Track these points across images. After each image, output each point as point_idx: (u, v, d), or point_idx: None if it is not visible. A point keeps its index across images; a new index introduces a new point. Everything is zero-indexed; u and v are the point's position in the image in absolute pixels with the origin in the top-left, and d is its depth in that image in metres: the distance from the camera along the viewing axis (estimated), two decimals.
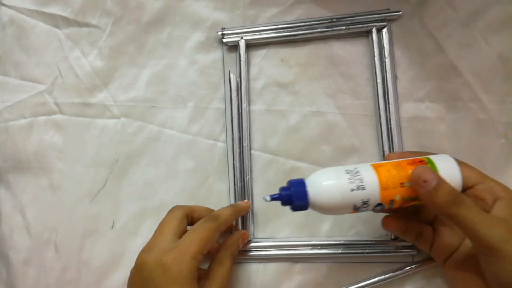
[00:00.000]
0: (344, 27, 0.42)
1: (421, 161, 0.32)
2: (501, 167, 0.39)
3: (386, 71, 0.41)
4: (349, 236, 0.41)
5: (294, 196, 0.32)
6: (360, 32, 0.42)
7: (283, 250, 0.41)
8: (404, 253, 0.39)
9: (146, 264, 0.33)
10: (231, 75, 0.43)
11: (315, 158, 0.42)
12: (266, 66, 0.44)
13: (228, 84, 0.44)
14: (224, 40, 0.44)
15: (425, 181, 0.29)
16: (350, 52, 0.43)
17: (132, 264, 0.35)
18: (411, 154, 0.34)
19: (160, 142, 0.45)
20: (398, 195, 0.31)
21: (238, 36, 0.44)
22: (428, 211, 0.36)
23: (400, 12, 0.42)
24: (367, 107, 0.42)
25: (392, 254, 0.39)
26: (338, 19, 0.42)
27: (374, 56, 0.41)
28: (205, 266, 0.37)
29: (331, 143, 0.42)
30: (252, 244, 0.41)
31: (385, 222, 0.36)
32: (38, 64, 0.47)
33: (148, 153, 0.45)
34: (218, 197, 0.43)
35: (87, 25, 0.47)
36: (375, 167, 0.32)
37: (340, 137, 0.42)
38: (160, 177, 0.44)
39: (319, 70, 0.43)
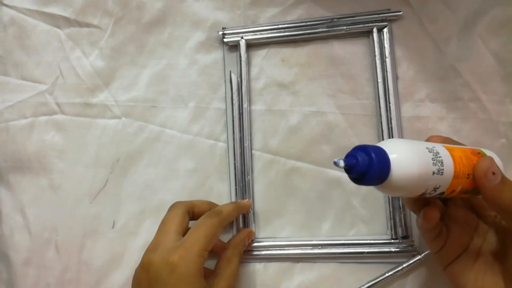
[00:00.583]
0: (344, 27, 0.42)
1: (479, 152, 0.29)
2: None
3: (386, 71, 0.41)
4: (349, 236, 0.41)
5: (377, 166, 0.25)
6: (360, 32, 0.43)
7: (283, 249, 0.41)
8: (404, 253, 0.39)
9: (152, 263, 0.33)
10: (232, 75, 0.44)
11: (316, 158, 0.42)
12: (267, 66, 0.44)
13: (229, 84, 0.44)
14: (225, 40, 0.44)
15: (494, 174, 0.27)
16: (350, 52, 0.43)
17: (133, 264, 0.35)
18: (452, 141, 0.31)
19: (161, 142, 0.45)
20: (460, 186, 0.28)
21: (238, 36, 0.44)
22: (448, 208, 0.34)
23: (401, 12, 0.42)
24: (368, 107, 0.42)
25: (392, 254, 0.39)
26: (339, 19, 0.43)
27: (375, 56, 0.41)
28: (209, 264, 0.37)
29: (332, 143, 0.42)
30: (253, 244, 0.41)
31: (428, 214, 0.31)
32: (39, 64, 0.47)
33: (148, 153, 0.45)
34: (218, 197, 0.43)
35: (88, 25, 0.47)
36: (449, 150, 0.28)
37: (340, 137, 0.42)
38: (160, 177, 0.44)
39: (319, 70, 0.43)
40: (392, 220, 0.40)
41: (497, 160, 0.30)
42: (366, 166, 0.25)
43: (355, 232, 0.41)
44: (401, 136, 0.41)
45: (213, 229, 0.35)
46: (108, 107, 0.46)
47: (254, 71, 0.44)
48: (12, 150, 0.46)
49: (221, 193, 0.43)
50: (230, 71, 0.44)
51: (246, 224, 0.42)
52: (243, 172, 0.42)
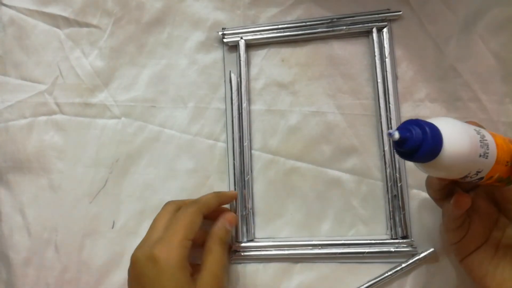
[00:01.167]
0: (344, 27, 0.42)
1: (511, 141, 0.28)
2: None
3: (386, 71, 0.41)
4: (349, 236, 0.41)
5: (430, 141, 0.25)
6: (360, 32, 0.43)
7: (283, 250, 0.41)
8: (404, 253, 0.39)
9: (138, 259, 0.34)
10: (232, 75, 0.44)
11: (315, 158, 0.42)
12: (266, 66, 0.44)
13: (229, 84, 0.44)
14: (225, 40, 0.44)
15: None
16: (350, 52, 0.43)
17: None
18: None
19: (160, 142, 0.45)
20: (498, 173, 0.27)
21: (238, 36, 0.44)
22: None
23: (401, 12, 0.42)
24: (367, 107, 0.42)
25: (391, 254, 0.39)
26: (338, 19, 0.42)
27: (375, 55, 0.41)
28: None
29: (331, 143, 0.42)
30: (252, 244, 0.41)
31: (460, 199, 0.31)
32: (38, 64, 0.47)
33: (148, 153, 0.45)
34: None
35: (87, 25, 0.47)
36: (492, 135, 0.27)
37: (340, 137, 0.42)
38: (160, 177, 0.44)
39: (319, 70, 0.43)
40: (391, 220, 0.40)
41: None
42: (420, 140, 0.25)
43: (355, 232, 0.41)
44: None
45: (190, 217, 0.35)
46: (108, 107, 0.46)
47: (253, 71, 0.44)
48: (12, 150, 0.46)
49: None
50: (230, 71, 0.44)
51: (246, 223, 0.41)
52: (242, 172, 0.42)
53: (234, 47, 0.44)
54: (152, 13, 0.46)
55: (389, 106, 0.41)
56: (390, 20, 0.42)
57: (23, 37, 0.47)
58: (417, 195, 0.40)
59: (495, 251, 0.33)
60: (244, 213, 0.42)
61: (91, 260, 0.44)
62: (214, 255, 0.36)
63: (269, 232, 0.42)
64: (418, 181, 0.40)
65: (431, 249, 0.39)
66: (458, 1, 0.41)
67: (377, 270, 0.40)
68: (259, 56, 0.44)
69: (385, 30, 0.42)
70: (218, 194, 0.40)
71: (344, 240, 0.40)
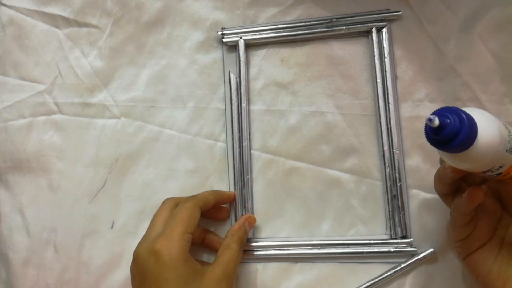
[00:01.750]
0: (343, 27, 0.42)
1: None
2: None
3: (385, 71, 0.41)
4: (348, 236, 0.41)
5: (467, 130, 0.24)
6: (359, 32, 0.43)
7: (283, 249, 0.41)
8: (403, 253, 0.39)
9: (139, 256, 0.34)
10: (231, 75, 0.43)
11: (315, 158, 0.42)
12: (266, 66, 0.44)
13: (228, 84, 0.44)
14: (224, 40, 0.44)
15: None
16: (349, 52, 0.43)
17: None
18: None
19: (160, 142, 0.45)
20: None
21: (237, 36, 0.44)
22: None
23: (400, 12, 0.42)
24: (367, 107, 0.42)
25: (391, 254, 0.39)
26: (338, 19, 0.42)
27: (374, 55, 0.41)
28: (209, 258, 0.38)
29: (331, 143, 0.42)
30: (252, 244, 0.41)
31: (474, 193, 0.31)
32: (37, 64, 0.47)
33: (147, 153, 0.45)
34: None
35: (87, 25, 0.47)
36: None
37: (339, 137, 0.42)
38: (159, 177, 0.44)
39: (318, 70, 0.43)
40: (391, 220, 0.40)
41: None
42: (458, 129, 0.24)
43: (354, 232, 0.41)
44: (400, 136, 0.41)
45: (188, 211, 0.36)
46: (107, 107, 0.46)
47: (253, 71, 0.44)
48: (11, 150, 0.46)
49: None
50: (229, 71, 0.44)
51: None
52: (242, 172, 0.42)
53: (234, 47, 0.44)
54: (151, 13, 0.46)
55: (389, 106, 0.41)
56: (389, 20, 0.42)
57: (22, 37, 0.47)
58: (417, 195, 0.40)
59: (499, 248, 0.33)
60: (243, 213, 0.41)
61: (91, 260, 0.44)
62: (231, 252, 0.36)
63: (268, 232, 0.42)
64: (418, 181, 0.40)
65: (431, 249, 0.39)
66: (457, 1, 0.41)
67: (376, 270, 0.40)
68: (258, 56, 0.44)
69: (384, 30, 0.42)
70: (216, 191, 0.41)
71: (344, 240, 0.40)
